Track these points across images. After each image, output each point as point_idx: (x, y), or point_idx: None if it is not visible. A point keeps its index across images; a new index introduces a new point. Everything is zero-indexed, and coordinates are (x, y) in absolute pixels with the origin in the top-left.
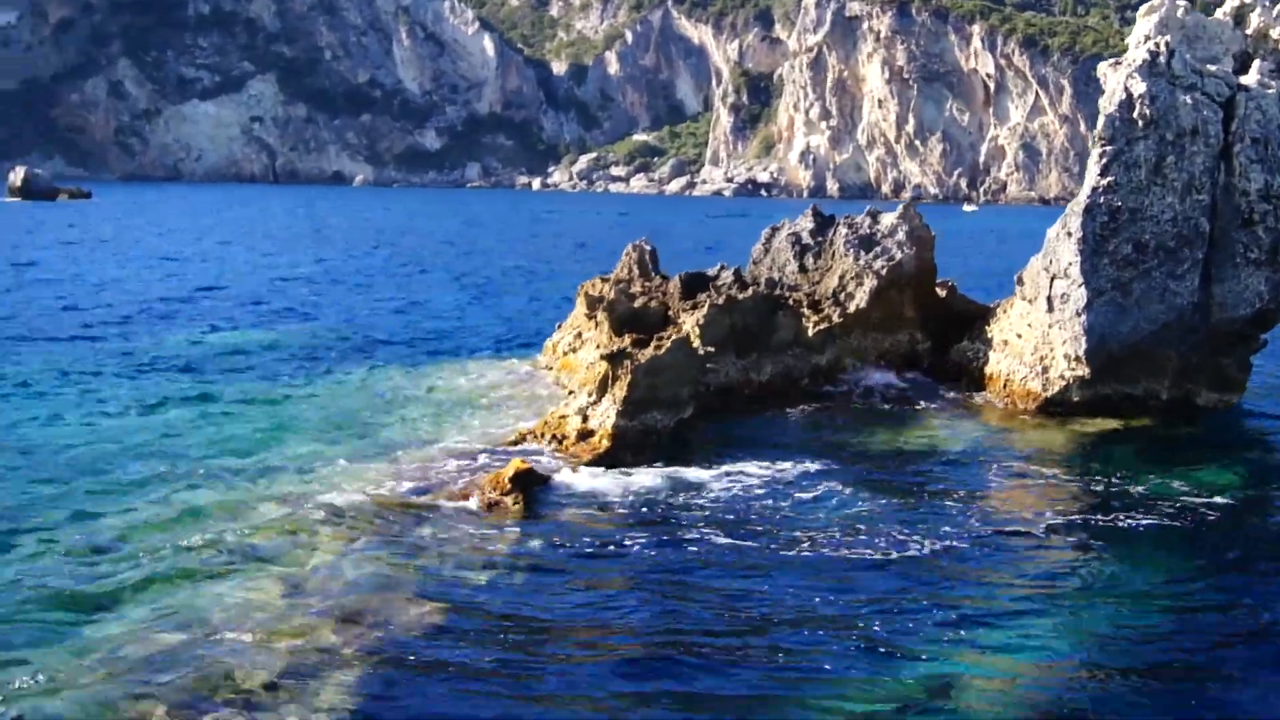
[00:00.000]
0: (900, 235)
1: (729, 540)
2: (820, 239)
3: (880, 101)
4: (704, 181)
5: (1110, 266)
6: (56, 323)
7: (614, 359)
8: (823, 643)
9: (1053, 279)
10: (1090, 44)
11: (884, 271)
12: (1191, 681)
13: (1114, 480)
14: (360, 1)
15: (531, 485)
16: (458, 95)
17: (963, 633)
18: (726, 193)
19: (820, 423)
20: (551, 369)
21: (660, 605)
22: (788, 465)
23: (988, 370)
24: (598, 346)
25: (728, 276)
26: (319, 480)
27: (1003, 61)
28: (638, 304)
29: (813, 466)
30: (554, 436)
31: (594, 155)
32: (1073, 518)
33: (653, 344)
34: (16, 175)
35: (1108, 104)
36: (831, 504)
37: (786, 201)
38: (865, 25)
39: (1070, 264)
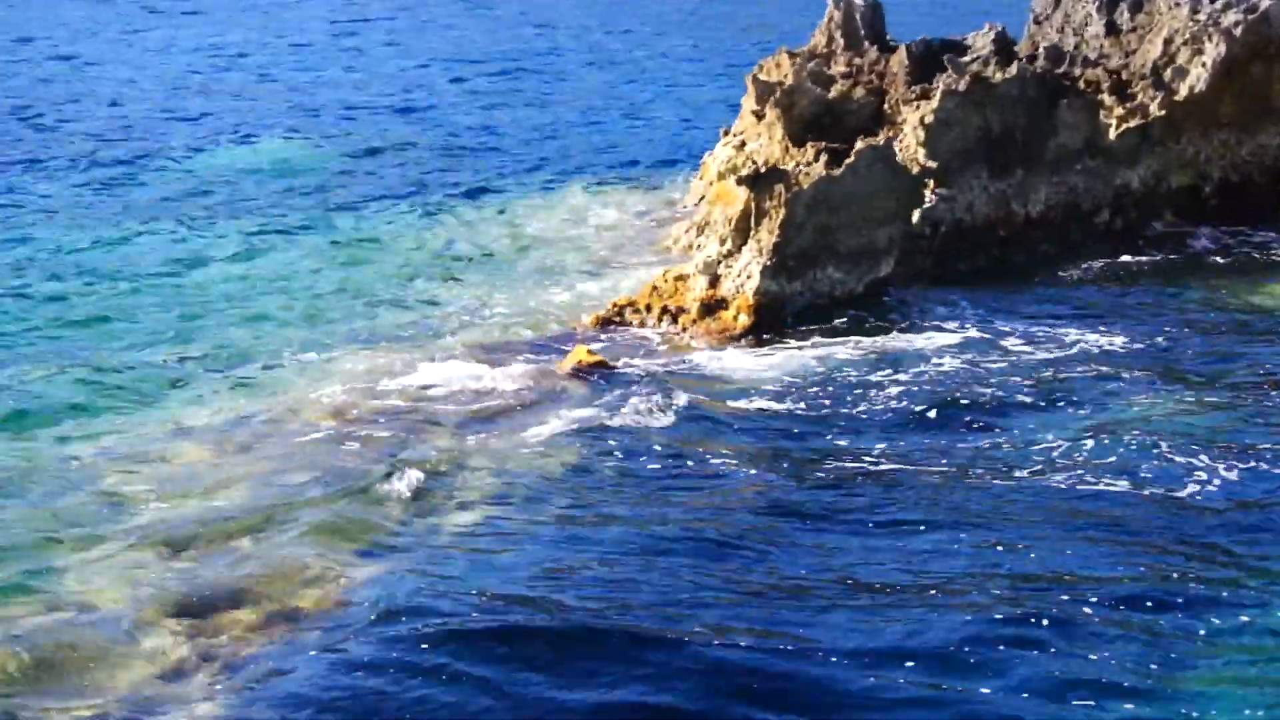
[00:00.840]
0: None
1: (918, 490)
2: None
3: None
4: None
5: None
6: (40, 133)
7: (759, 183)
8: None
9: None
10: None
11: (1238, 30)
12: None
13: None
14: None
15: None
16: None
17: None
18: None
19: (1119, 286)
20: (704, 200)
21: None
22: (1055, 354)
23: None
24: (764, 163)
25: (985, 46)
26: (312, 372)
27: None
28: (835, 92)
29: (1096, 357)
30: (665, 310)
31: None
32: None
33: (821, 161)
34: None
35: None
36: (1120, 420)
37: None
38: None
39: None
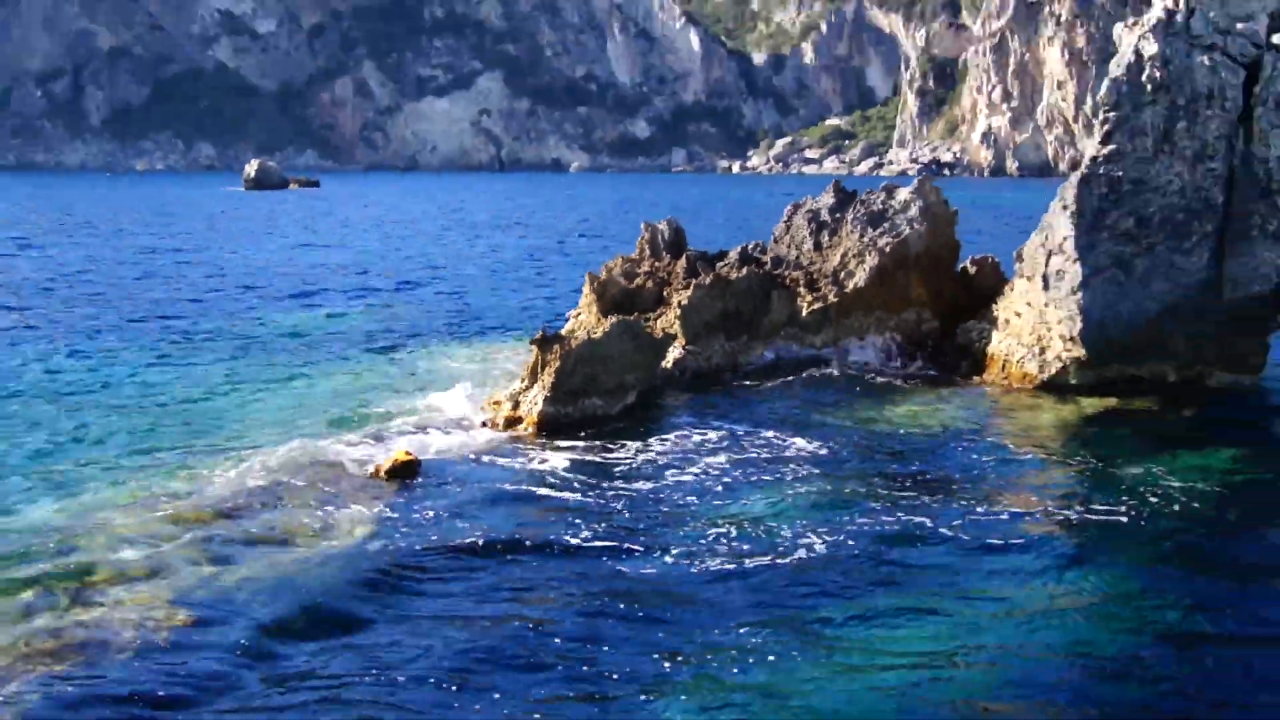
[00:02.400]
0: (913, 211)
1: (611, 531)
2: (839, 216)
3: (1059, 83)
4: (891, 163)
5: (1109, 242)
6: (148, 295)
7: (543, 344)
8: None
9: (1049, 255)
10: None
11: (887, 249)
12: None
13: (1099, 467)
14: (578, 1)
15: (414, 474)
16: (665, 86)
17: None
18: (911, 173)
19: (791, 401)
20: None
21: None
22: (730, 449)
23: (989, 351)
24: (582, 329)
25: (734, 255)
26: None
27: None
28: (635, 284)
29: (758, 447)
30: (484, 422)
31: (789, 140)
32: (1036, 513)
33: (583, 330)
34: (251, 167)
35: (1115, 67)
36: (758, 492)
37: (967, 180)
38: (1046, 10)
39: (1066, 239)
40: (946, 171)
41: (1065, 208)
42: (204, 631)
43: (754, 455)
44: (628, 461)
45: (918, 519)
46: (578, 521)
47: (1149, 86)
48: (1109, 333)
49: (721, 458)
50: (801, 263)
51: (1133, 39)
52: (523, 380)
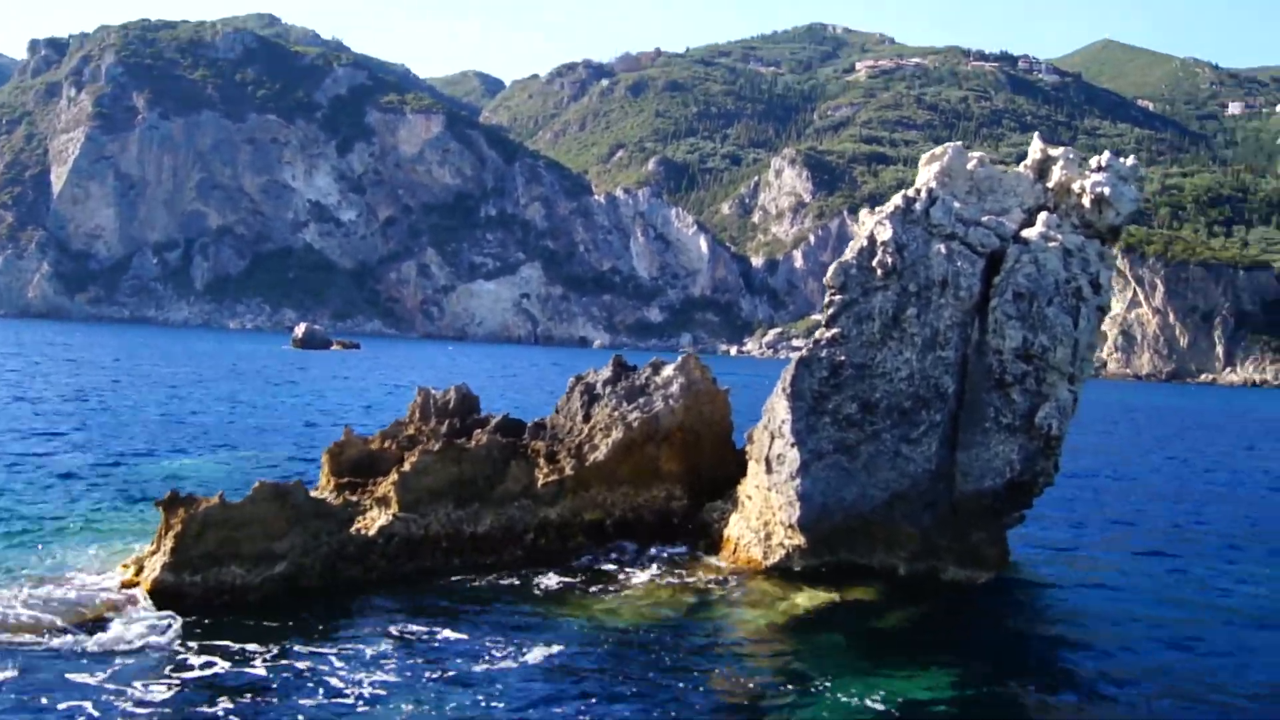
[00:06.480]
0: (674, 388)
1: None
2: (611, 389)
3: None
4: None
5: (831, 426)
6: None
7: (168, 506)
8: None
9: (771, 438)
10: (1180, 250)
11: (635, 423)
12: None
13: (796, 683)
14: (608, 208)
15: None
16: (677, 281)
17: None
18: None
19: (496, 585)
20: None
21: None
22: (394, 648)
23: (725, 532)
24: (320, 490)
25: (492, 421)
26: None
27: None
28: (384, 446)
29: (436, 650)
30: (122, 583)
31: (779, 330)
32: None
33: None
34: (299, 329)
35: (848, 251)
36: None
37: None
38: None
39: (784, 422)
40: None
41: (784, 390)
42: None
43: (427, 660)
44: (261, 661)
45: None
46: None
47: (879, 271)
48: (831, 520)
49: (384, 658)
50: (570, 433)
51: (870, 224)
52: (154, 543)
